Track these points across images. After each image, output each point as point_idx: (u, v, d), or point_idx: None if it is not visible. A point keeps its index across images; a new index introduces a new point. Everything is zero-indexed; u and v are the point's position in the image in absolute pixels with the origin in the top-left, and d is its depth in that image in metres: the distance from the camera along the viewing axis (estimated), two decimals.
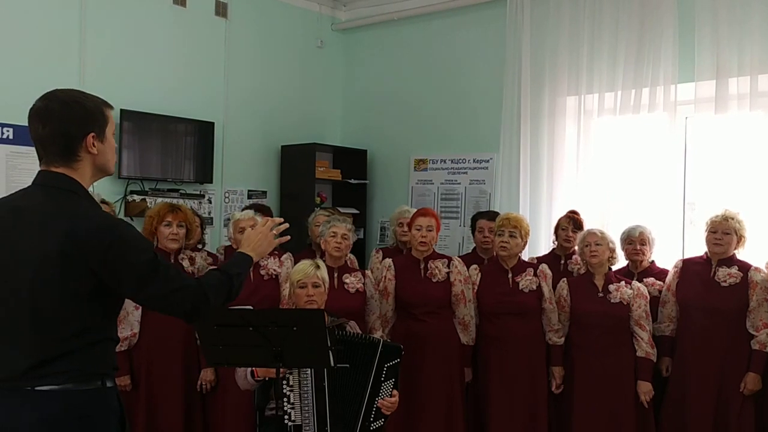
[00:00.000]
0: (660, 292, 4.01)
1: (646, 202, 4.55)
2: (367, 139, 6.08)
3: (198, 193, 5.25)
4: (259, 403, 3.13)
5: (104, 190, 4.41)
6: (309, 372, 2.97)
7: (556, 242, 4.42)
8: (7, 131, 4.18)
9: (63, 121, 1.92)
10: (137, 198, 4.81)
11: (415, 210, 4.25)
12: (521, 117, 5.03)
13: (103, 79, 4.64)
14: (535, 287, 3.96)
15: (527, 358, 3.92)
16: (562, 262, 4.34)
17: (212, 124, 5.24)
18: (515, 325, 3.93)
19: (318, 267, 3.32)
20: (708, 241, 3.84)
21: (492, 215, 4.37)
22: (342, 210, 5.09)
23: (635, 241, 4.09)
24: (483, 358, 4.01)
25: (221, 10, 5.42)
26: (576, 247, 4.16)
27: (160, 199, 4.64)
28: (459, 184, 5.56)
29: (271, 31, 5.78)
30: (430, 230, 3.94)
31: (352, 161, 5.98)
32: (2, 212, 1.95)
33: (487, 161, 5.38)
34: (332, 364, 2.57)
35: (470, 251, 4.70)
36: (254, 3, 5.65)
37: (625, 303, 3.84)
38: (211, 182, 5.29)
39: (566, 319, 3.98)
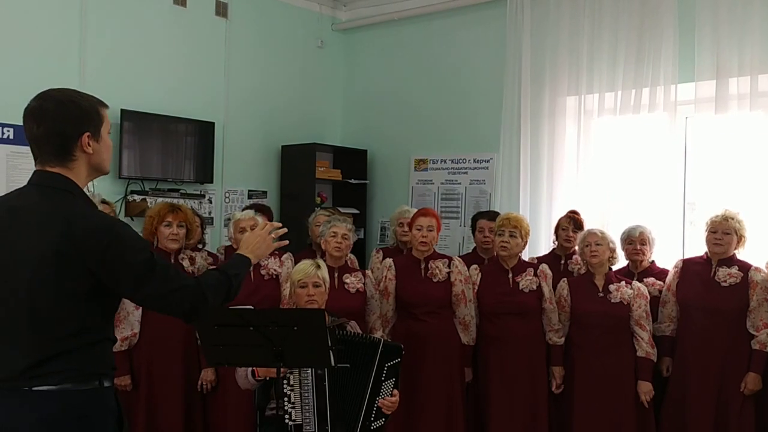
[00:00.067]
0: (660, 292, 4.00)
1: (646, 202, 4.55)
2: (368, 139, 6.08)
3: (198, 193, 5.26)
4: (259, 402, 3.13)
5: (105, 190, 4.41)
6: (310, 371, 2.97)
7: (556, 242, 4.42)
8: (8, 131, 4.19)
9: (58, 121, 1.91)
10: (138, 198, 4.81)
11: (416, 210, 4.26)
12: (521, 117, 5.03)
13: (104, 79, 4.65)
14: (535, 287, 3.96)
15: (527, 358, 3.92)
16: (563, 262, 4.34)
17: (212, 124, 5.24)
18: (515, 325, 3.93)
19: (319, 267, 3.32)
20: (708, 241, 3.84)
21: (492, 215, 4.37)
22: (342, 210, 5.09)
23: (635, 241, 4.09)
24: (483, 358, 4.01)
25: (221, 10, 5.42)
26: (576, 247, 4.16)
27: (160, 199, 4.63)
28: (459, 184, 5.56)
29: (271, 31, 5.78)
30: (431, 230, 3.94)
31: (353, 161, 5.98)
32: None
33: (488, 161, 5.38)
34: (333, 364, 2.57)
35: (470, 251, 4.70)
36: (254, 3, 5.65)
37: (626, 303, 3.84)
38: (211, 182, 5.29)
39: (566, 319, 3.98)
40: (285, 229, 2.44)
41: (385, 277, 3.97)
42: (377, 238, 6.01)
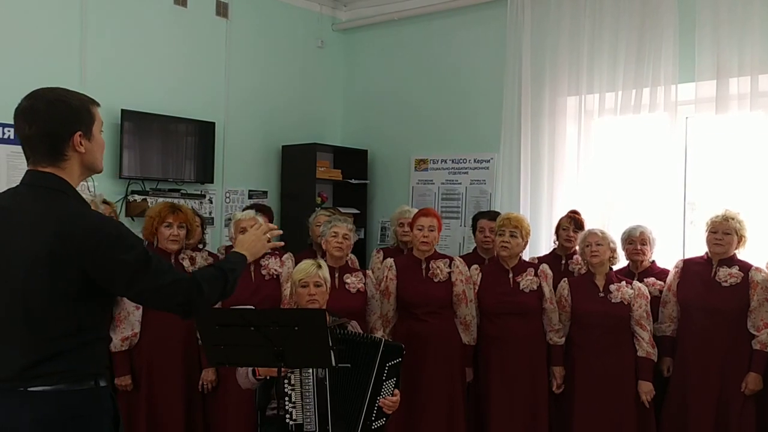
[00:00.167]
0: (661, 292, 4.01)
1: (646, 202, 4.55)
2: (368, 139, 6.08)
3: (199, 193, 5.26)
4: (260, 402, 3.14)
5: (105, 190, 4.41)
6: (311, 371, 2.97)
7: (557, 242, 4.42)
8: (8, 131, 4.19)
9: (49, 121, 1.90)
10: (138, 198, 4.81)
11: (416, 210, 4.26)
12: (522, 117, 5.04)
13: (104, 79, 4.65)
14: (535, 287, 3.96)
15: (528, 357, 3.92)
16: (563, 262, 4.34)
17: (213, 124, 5.24)
18: (516, 325, 3.93)
19: (320, 267, 3.33)
20: (708, 242, 3.84)
21: (493, 215, 4.37)
22: (343, 210, 5.09)
23: (636, 241, 4.09)
24: (484, 358, 4.01)
25: (222, 11, 5.42)
26: (577, 247, 4.16)
27: (161, 199, 4.63)
28: (460, 184, 5.56)
29: (271, 32, 5.78)
30: (432, 230, 3.94)
31: (353, 161, 5.98)
32: None
33: (488, 161, 5.38)
34: (334, 364, 2.57)
35: (471, 251, 4.70)
36: (255, 3, 5.65)
37: (626, 303, 3.84)
38: (211, 182, 5.29)
39: (567, 319, 3.98)
40: (280, 231, 2.44)
41: (386, 277, 3.97)
42: (377, 238, 6.01)
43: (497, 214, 4.32)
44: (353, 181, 5.90)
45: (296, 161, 5.74)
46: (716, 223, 3.81)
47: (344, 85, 6.32)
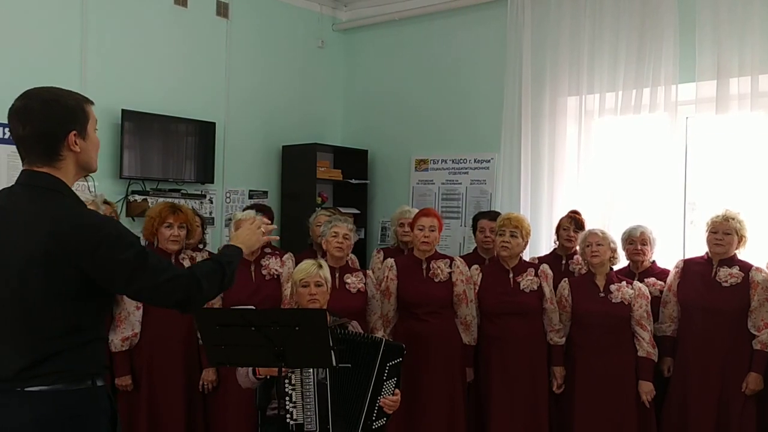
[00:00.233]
0: (661, 292, 4.01)
1: (647, 202, 4.55)
2: (368, 139, 6.09)
3: (199, 193, 5.26)
4: (260, 402, 3.14)
5: (105, 190, 4.42)
6: (311, 371, 2.97)
7: (557, 242, 4.42)
8: (8, 131, 4.19)
9: (44, 121, 1.90)
10: (139, 198, 4.81)
11: (416, 210, 4.26)
12: (522, 117, 5.04)
13: (105, 79, 4.65)
14: (536, 287, 3.97)
15: (528, 358, 3.92)
16: (564, 262, 4.34)
17: (213, 124, 5.24)
18: (516, 325, 3.93)
19: (321, 266, 3.33)
20: (709, 242, 3.84)
21: (493, 215, 4.37)
22: (343, 210, 5.09)
23: (636, 241, 4.09)
24: (484, 358, 4.01)
25: (222, 11, 5.42)
26: (577, 247, 4.16)
27: (161, 200, 4.63)
28: (460, 184, 5.56)
29: (272, 32, 5.78)
30: (433, 230, 3.94)
31: (353, 161, 5.98)
32: None
33: (488, 161, 5.39)
34: (334, 364, 2.57)
35: (471, 251, 4.70)
36: (255, 3, 5.65)
37: (627, 303, 3.84)
38: (212, 182, 5.29)
39: (567, 319, 3.98)
40: (274, 227, 2.47)
41: (387, 277, 3.97)
42: (378, 239, 6.01)
43: (497, 214, 4.32)
44: (353, 181, 5.90)
45: (296, 161, 5.74)
46: (716, 223, 3.81)
47: (344, 85, 6.33)
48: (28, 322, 1.86)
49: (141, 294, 1.97)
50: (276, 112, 5.80)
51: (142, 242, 3.01)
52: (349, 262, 4.07)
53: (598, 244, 3.90)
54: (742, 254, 3.84)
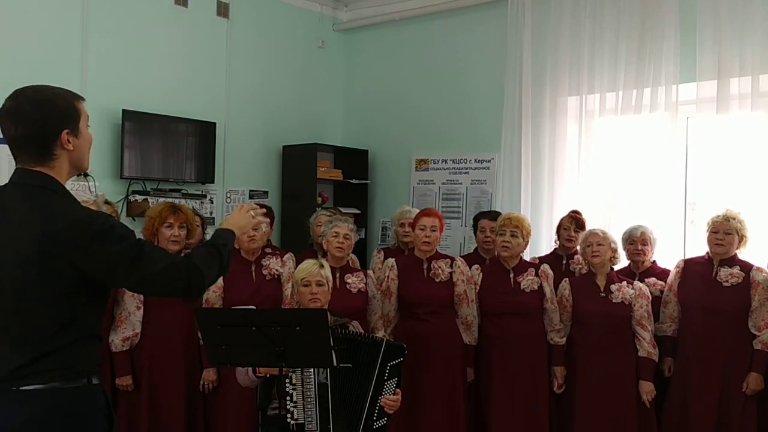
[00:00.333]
0: (662, 292, 4.01)
1: (647, 202, 4.55)
2: (369, 139, 6.09)
3: (200, 193, 5.26)
4: (261, 402, 3.14)
5: (106, 190, 4.42)
6: (312, 370, 2.97)
7: (557, 242, 4.42)
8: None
9: (36, 121, 1.89)
10: (139, 198, 4.81)
11: (417, 210, 4.26)
12: (522, 117, 5.04)
13: (105, 79, 4.66)
14: (536, 287, 3.97)
15: (529, 357, 3.92)
16: (564, 262, 4.34)
17: (214, 124, 5.24)
18: (517, 325, 3.93)
19: (322, 266, 3.33)
20: (709, 242, 3.84)
21: (494, 215, 4.37)
22: (343, 210, 5.09)
23: (637, 241, 4.09)
24: (485, 358, 4.01)
25: (223, 11, 5.42)
26: (578, 247, 4.16)
27: (161, 200, 4.64)
28: (460, 184, 5.56)
29: (272, 32, 5.78)
30: (434, 230, 3.94)
31: (354, 161, 5.98)
32: None
33: (489, 161, 5.39)
34: (335, 363, 2.57)
35: (472, 251, 4.70)
36: (255, 3, 5.65)
37: (627, 303, 3.84)
38: (212, 182, 5.29)
39: (568, 319, 3.98)
40: (263, 210, 2.51)
41: (388, 276, 3.97)
42: (378, 239, 6.01)
43: (498, 214, 4.32)
44: (354, 181, 5.90)
45: (297, 161, 5.74)
46: (717, 223, 3.81)
47: (345, 85, 6.33)
48: (22, 320, 1.86)
49: (142, 284, 1.95)
50: (276, 112, 5.80)
51: None
52: (350, 262, 4.07)
53: (599, 244, 3.90)
54: (743, 254, 3.84)
